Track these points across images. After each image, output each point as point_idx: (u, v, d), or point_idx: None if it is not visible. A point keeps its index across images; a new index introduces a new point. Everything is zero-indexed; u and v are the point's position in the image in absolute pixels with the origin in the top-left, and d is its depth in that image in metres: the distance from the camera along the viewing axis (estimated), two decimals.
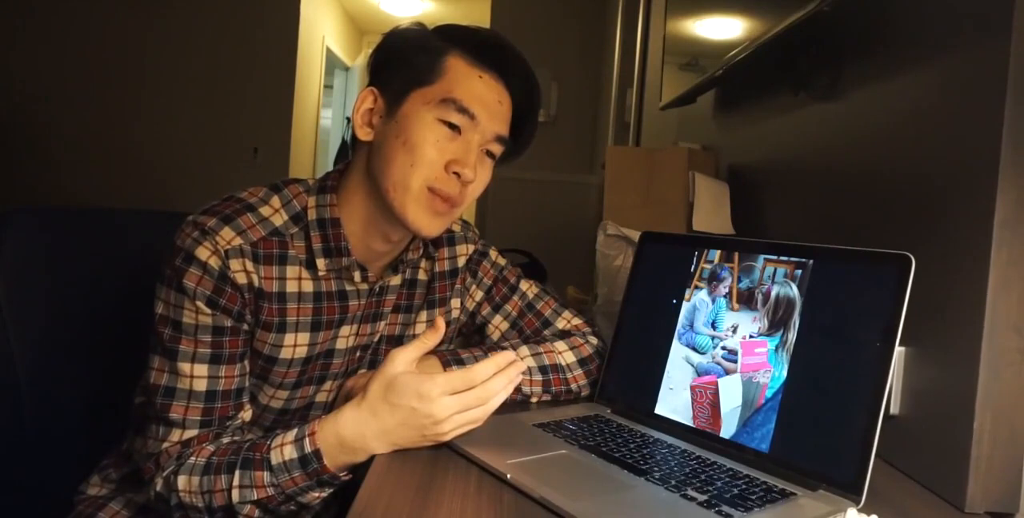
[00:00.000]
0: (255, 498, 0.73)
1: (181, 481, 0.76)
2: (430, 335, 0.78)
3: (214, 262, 0.80)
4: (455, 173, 0.83)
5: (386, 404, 0.72)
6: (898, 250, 0.68)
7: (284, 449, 0.73)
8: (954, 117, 0.75)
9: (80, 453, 1.02)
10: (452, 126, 0.84)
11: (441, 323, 0.78)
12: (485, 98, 0.85)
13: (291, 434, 0.74)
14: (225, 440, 0.80)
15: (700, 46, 1.64)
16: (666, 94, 1.84)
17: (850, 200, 0.99)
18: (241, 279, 0.81)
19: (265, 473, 0.73)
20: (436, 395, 0.71)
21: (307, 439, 0.73)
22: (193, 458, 0.77)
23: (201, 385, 0.80)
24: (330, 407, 0.94)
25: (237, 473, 0.74)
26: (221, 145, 3.74)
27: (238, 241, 0.82)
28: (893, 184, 0.87)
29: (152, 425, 0.81)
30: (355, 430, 0.73)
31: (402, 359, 0.75)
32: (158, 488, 0.78)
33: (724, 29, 1.48)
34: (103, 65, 3.66)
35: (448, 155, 0.83)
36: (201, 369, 0.80)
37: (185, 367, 0.80)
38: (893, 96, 0.89)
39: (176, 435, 0.80)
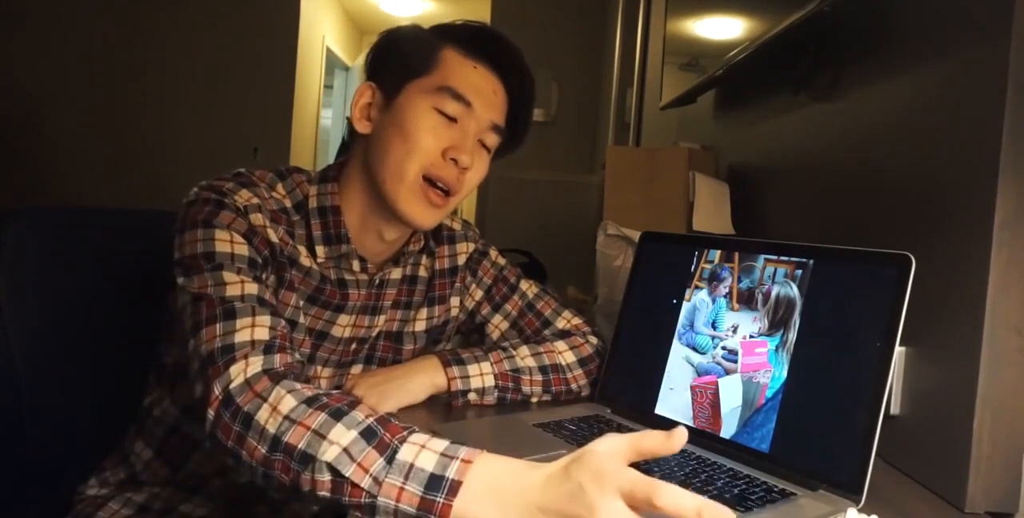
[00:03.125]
0: (347, 473, 0.57)
1: (275, 394, 0.64)
2: (656, 442, 0.53)
3: (241, 214, 0.81)
4: (452, 160, 0.85)
5: (563, 472, 0.53)
6: (898, 250, 0.68)
7: (422, 454, 0.57)
8: (954, 117, 0.75)
9: (80, 453, 1.01)
10: (448, 115, 0.85)
11: (683, 434, 0.53)
12: (480, 87, 0.87)
13: (441, 443, 0.58)
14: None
15: (700, 46, 1.64)
16: (666, 94, 1.84)
17: (850, 200, 0.99)
18: (262, 232, 0.83)
19: (380, 460, 0.57)
20: (613, 487, 0.50)
21: (457, 463, 0.56)
22: (299, 385, 0.65)
23: (253, 289, 0.75)
24: None
25: (350, 432, 0.59)
26: (221, 145, 3.74)
27: (256, 201, 0.84)
28: (893, 184, 0.87)
29: (203, 330, 0.71)
30: (516, 482, 0.54)
31: (610, 443, 0.54)
32: (235, 381, 0.66)
33: (724, 29, 1.48)
34: (103, 65, 3.66)
35: (445, 142, 0.85)
36: (248, 278, 0.76)
37: (233, 276, 0.75)
38: (893, 96, 0.89)
39: (246, 321, 0.71)
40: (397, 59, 0.89)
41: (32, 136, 3.60)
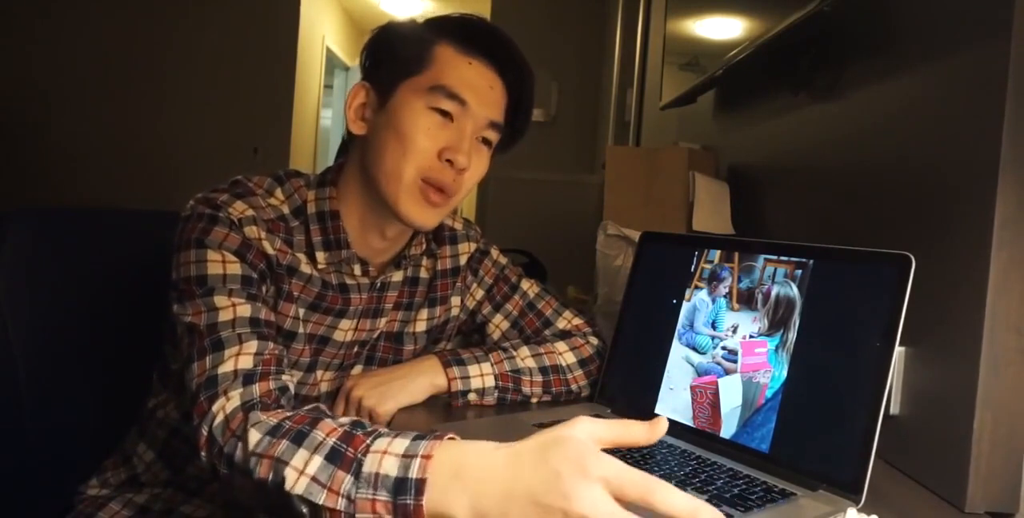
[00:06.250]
0: (320, 501, 0.56)
1: (245, 431, 0.64)
2: (639, 433, 0.53)
3: (235, 228, 0.81)
4: (448, 161, 0.83)
5: (537, 455, 0.50)
6: (898, 250, 0.68)
7: (385, 460, 0.56)
8: (954, 117, 0.75)
9: (80, 453, 1.02)
10: (444, 113, 0.84)
11: (663, 424, 0.53)
12: (475, 83, 0.85)
13: (402, 443, 0.57)
14: (301, 412, 0.67)
15: (700, 46, 1.64)
16: (666, 94, 1.84)
17: (850, 200, 0.99)
18: (257, 245, 0.82)
19: (348, 477, 0.56)
20: (596, 476, 0.47)
21: (418, 460, 0.54)
22: (264, 416, 0.65)
23: (245, 311, 0.76)
24: (332, 396, 0.94)
25: (314, 458, 0.58)
26: (221, 145, 3.74)
27: (251, 212, 0.83)
28: (893, 184, 0.87)
29: (194, 364, 0.73)
30: (481, 463, 0.52)
31: (588, 428, 0.51)
32: (216, 420, 0.67)
33: (724, 29, 1.48)
34: (102, 66, 3.66)
35: (440, 143, 0.84)
36: (240, 299, 0.77)
37: (223, 300, 0.76)
38: (893, 96, 0.89)
39: (233, 350, 0.72)
40: (390, 58, 0.87)
41: (32, 136, 3.60)
